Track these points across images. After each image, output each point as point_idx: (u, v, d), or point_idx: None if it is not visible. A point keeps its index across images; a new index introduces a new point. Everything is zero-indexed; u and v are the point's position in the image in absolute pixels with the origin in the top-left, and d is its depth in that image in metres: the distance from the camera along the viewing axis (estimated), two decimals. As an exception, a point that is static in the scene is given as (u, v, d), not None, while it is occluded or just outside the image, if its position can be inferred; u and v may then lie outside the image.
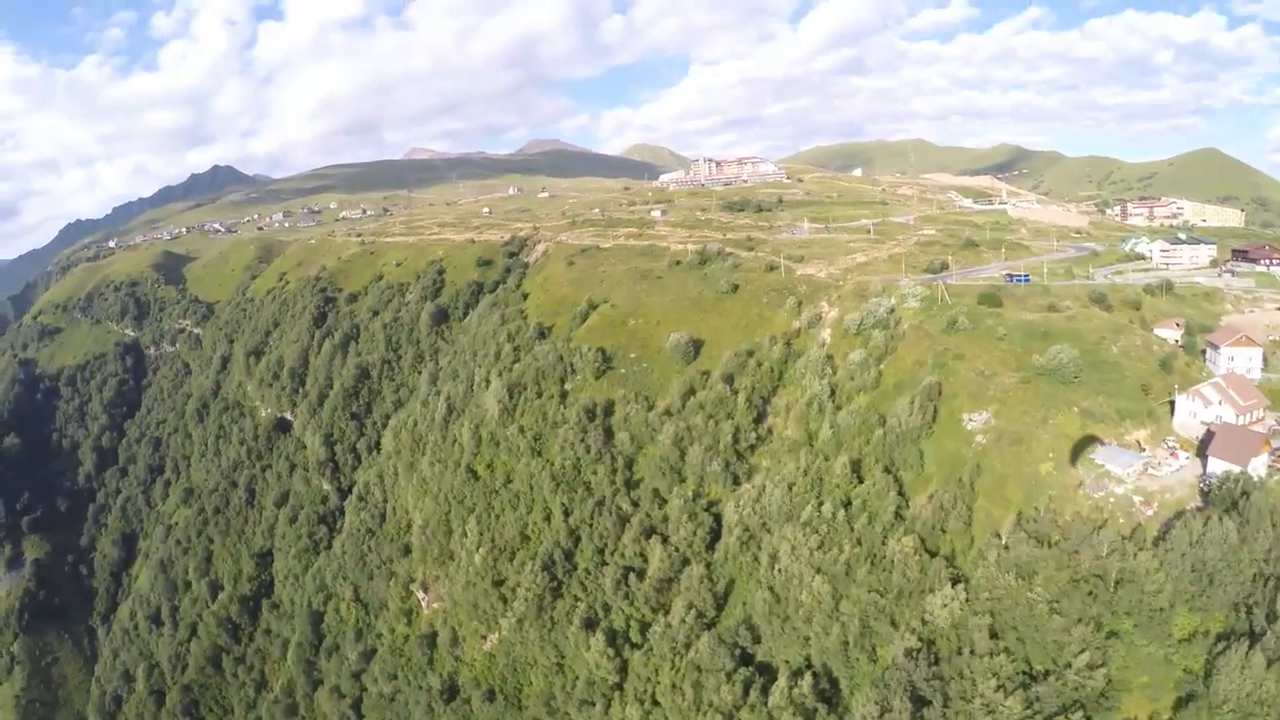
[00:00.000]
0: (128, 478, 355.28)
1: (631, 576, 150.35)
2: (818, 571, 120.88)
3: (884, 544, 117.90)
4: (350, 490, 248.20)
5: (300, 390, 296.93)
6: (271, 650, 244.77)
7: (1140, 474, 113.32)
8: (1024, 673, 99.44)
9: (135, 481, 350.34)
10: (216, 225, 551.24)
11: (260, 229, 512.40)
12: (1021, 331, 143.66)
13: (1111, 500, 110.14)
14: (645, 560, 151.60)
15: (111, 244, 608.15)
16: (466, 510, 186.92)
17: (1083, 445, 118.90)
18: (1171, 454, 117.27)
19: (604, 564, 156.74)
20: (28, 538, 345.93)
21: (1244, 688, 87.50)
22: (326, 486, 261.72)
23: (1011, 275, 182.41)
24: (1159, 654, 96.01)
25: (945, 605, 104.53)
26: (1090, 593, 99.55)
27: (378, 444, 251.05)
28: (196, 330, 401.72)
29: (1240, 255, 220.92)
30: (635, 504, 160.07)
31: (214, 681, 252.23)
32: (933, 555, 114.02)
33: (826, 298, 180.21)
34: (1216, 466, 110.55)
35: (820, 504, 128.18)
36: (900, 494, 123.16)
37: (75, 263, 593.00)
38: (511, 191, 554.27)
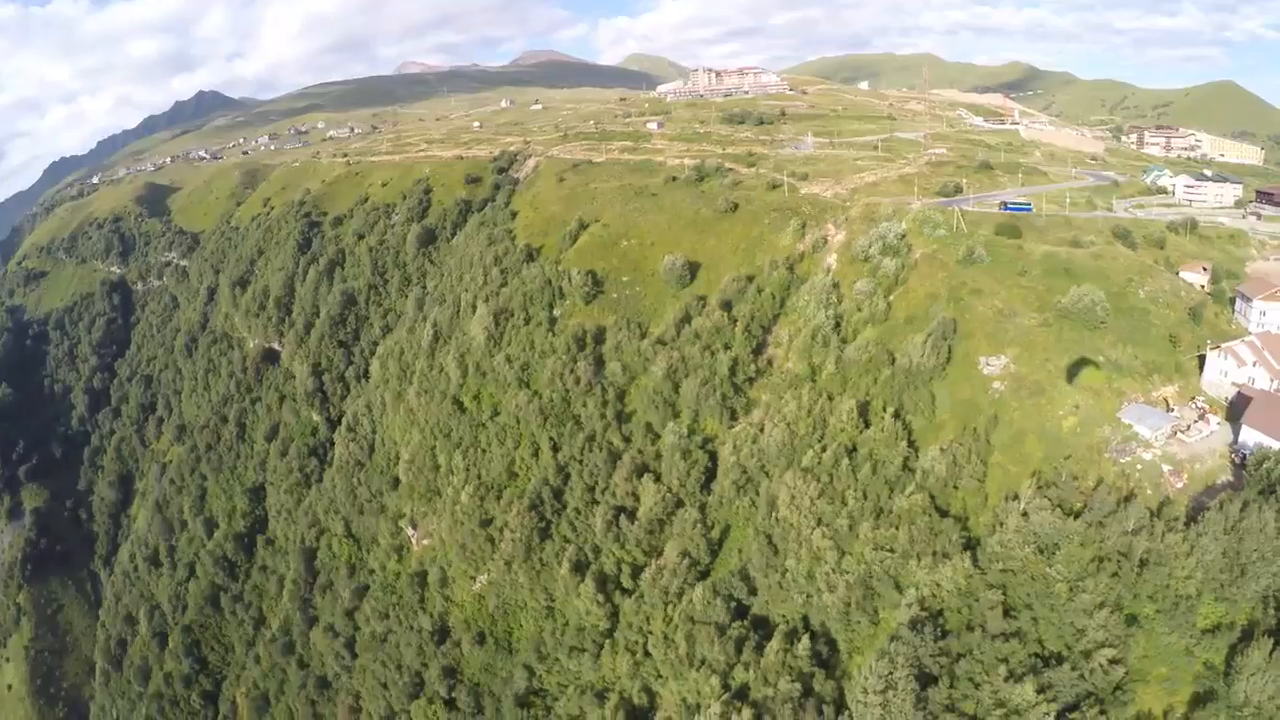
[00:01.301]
0: (121, 418, 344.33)
1: (623, 518, 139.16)
2: (818, 523, 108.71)
3: (891, 497, 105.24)
4: (340, 421, 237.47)
5: (287, 319, 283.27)
6: (268, 587, 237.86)
7: (1169, 438, 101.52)
8: (1036, 655, 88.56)
9: (129, 421, 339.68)
10: (201, 152, 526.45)
11: (245, 153, 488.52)
12: (1043, 267, 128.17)
13: (1139, 467, 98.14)
14: (637, 500, 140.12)
15: (95, 180, 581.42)
16: (453, 445, 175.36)
17: (1107, 399, 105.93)
18: (1201, 416, 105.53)
19: (594, 503, 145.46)
20: (26, 487, 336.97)
21: (1267, 690, 78.71)
22: (316, 417, 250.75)
23: (1008, 204, 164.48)
24: (1180, 644, 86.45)
25: (956, 574, 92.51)
26: (1114, 573, 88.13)
27: (366, 372, 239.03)
28: (183, 262, 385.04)
29: (1265, 197, 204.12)
30: (627, 439, 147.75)
31: (213, 621, 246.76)
32: (943, 514, 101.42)
33: (833, 220, 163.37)
34: (1250, 437, 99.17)
35: (823, 449, 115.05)
36: (910, 443, 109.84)
37: (59, 202, 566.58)
38: (504, 104, 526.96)
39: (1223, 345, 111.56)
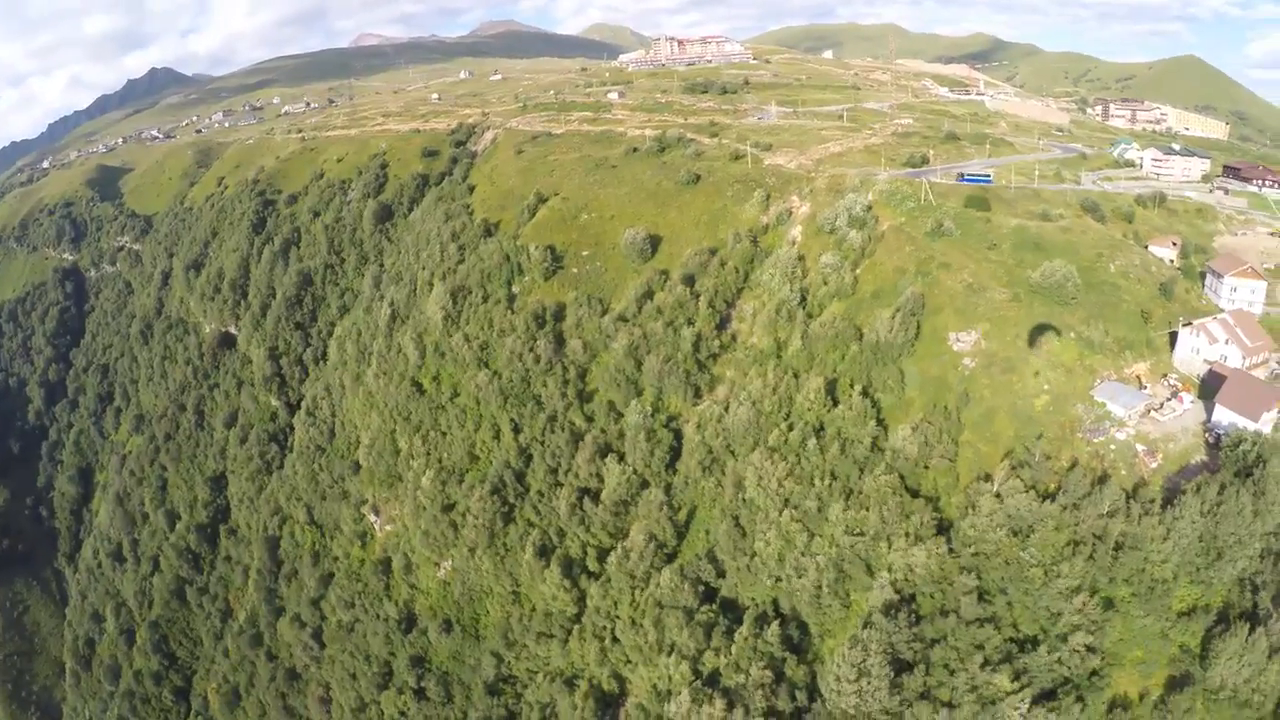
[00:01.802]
0: (78, 410, 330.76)
1: (587, 500, 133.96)
2: (786, 504, 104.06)
3: (860, 478, 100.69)
4: (299, 405, 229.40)
5: (243, 302, 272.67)
6: (233, 577, 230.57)
7: (1142, 416, 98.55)
8: (1011, 640, 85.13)
9: (86, 413, 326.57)
10: (154, 132, 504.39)
11: (199, 131, 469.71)
12: (1013, 241, 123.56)
13: (1113, 447, 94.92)
14: (601, 481, 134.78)
15: (45, 164, 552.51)
16: (413, 428, 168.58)
17: (1080, 377, 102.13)
18: (1174, 394, 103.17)
19: (558, 485, 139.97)
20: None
21: (1242, 674, 77.58)
22: (275, 402, 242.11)
23: (966, 175, 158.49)
24: (1155, 627, 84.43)
25: (929, 558, 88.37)
26: (1090, 557, 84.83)
27: (324, 354, 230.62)
28: (136, 246, 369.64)
29: (1232, 172, 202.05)
30: (589, 419, 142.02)
31: (180, 615, 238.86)
32: (914, 495, 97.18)
33: (797, 191, 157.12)
34: (1224, 416, 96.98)
35: (790, 428, 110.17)
36: (879, 422, 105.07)
37: (8, 189, 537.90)
38: (462, 75, 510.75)
39: (1194, 322, 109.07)
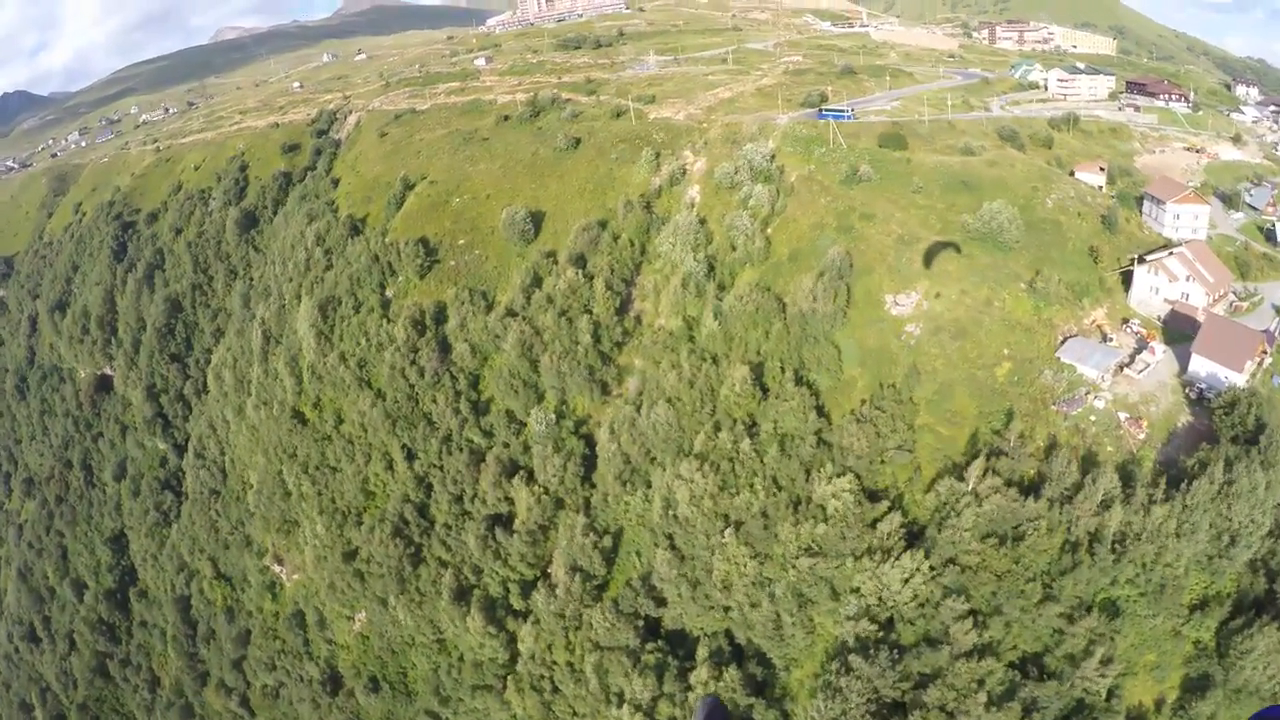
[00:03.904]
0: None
1: (499, 529, 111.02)
2: (727, 522, 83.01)
3: (809, 482, 79.81)
4: (187, 445, 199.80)
5: (114, 339, 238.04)
6: (153, 643, 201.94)
7: (1114, 375, 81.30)
8: (1013, 666, 66.44)
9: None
10: (9, 163, 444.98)
11: (54, 155, 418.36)
12: (939, 182, 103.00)
13: (1093, 419, 77.03)
14: (512, 505, 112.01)
15: None
16: (300, 466, 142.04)
17: (1040, 335, 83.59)
18: (1142, 344, 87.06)
19: (465, 515, 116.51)
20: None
21: (1269, 670, 63.87)
22: (162, 445, 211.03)
23: (826, 110, 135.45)
24: (1166, 626, 68.36)
25: (907, 579, 68.45)
26: (1090, 559, 66.34)
27: (205, 386, 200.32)
28: (0, 293, 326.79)
29: (1137, 88, 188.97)
30: (488, 434, 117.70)
31: (108, 693, 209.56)
32: (874, 497, 76.92)
33: (690, 145, 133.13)
34: (1202, 367, 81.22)
35: (716, 428, 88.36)
36: (819, 411, 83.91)
37: None
38: (326, 59, 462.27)
39: (1149, 258, 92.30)
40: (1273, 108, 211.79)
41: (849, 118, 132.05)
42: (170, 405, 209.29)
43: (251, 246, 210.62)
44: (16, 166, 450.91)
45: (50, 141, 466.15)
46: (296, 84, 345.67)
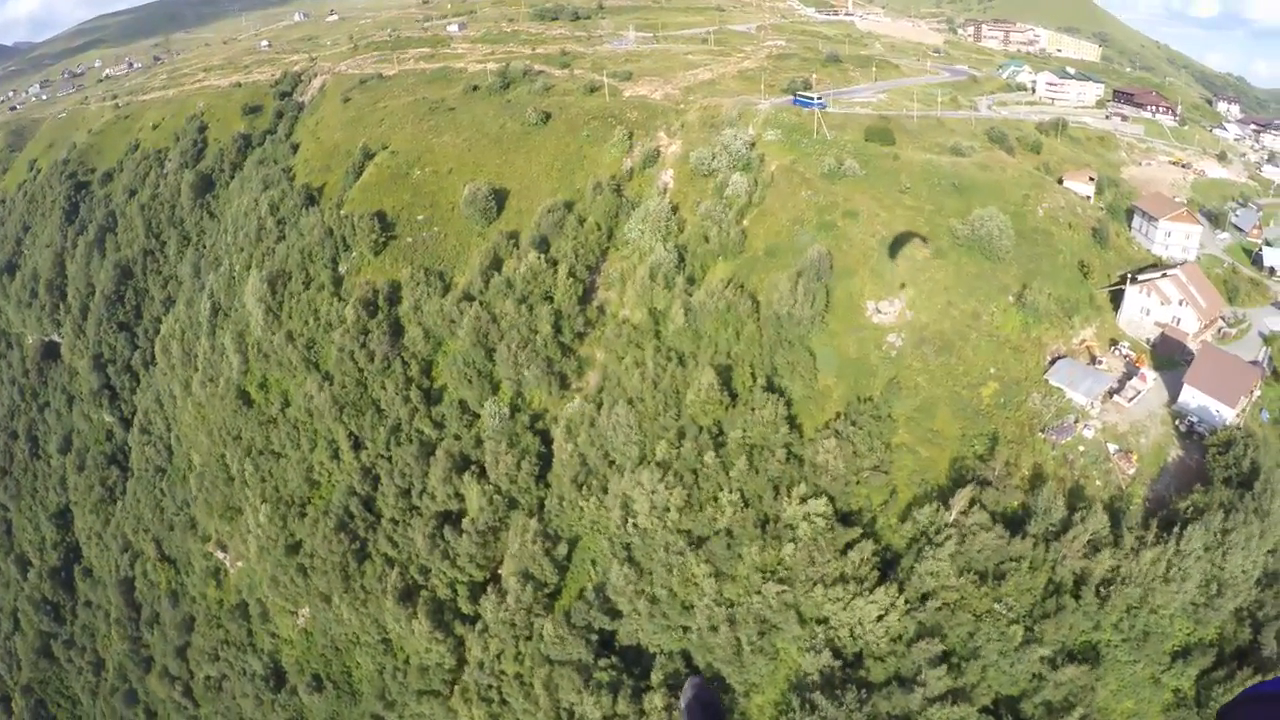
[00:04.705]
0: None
1: (448, 528, 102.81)
2: (689, 538, 75.50)
3: (777, 499, 72.31)
4: (134, 419, 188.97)
5: (62, 305, 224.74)
6: (97, 624, 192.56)
7: (1104, 401, 75.41)
8: (987, 709, 60.09)
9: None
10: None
11: (13, 109, 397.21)
12: (927, 182, 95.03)
13: (1081, 449, 70.93)
14: (462, 501, 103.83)
15: None
16: (243, 450, 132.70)
17: (1029, 354, 76.84)
18: (1130, 368, 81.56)
19: (413, 510, 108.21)
20: None
21: None
22: (108, 418, 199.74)
23: (800, 97, 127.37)
24: (1146, 673, 62.92)
25: (881, 615, 61.42)
26: (1074, 603, 59.87)
27: (153, 358, 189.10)
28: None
29: (1124, 97, 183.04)
30: (439, 425, 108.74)
31: (53, 674, 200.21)
32: (846, 521, 69.67)
33: (665, 126, 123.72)
34: (1193, 399, 75.42)
35: (680, 435, 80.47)
36: (791, 423, 76.23)
37: None
38: (297, 18, 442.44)
39: (1141, 278, 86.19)
40: (1254, 126, 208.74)
41: (821, 105, 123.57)
42: (118, 376, 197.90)
43: (206, 212, 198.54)
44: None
45: (10, 94, 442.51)
46: (264, 43, 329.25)
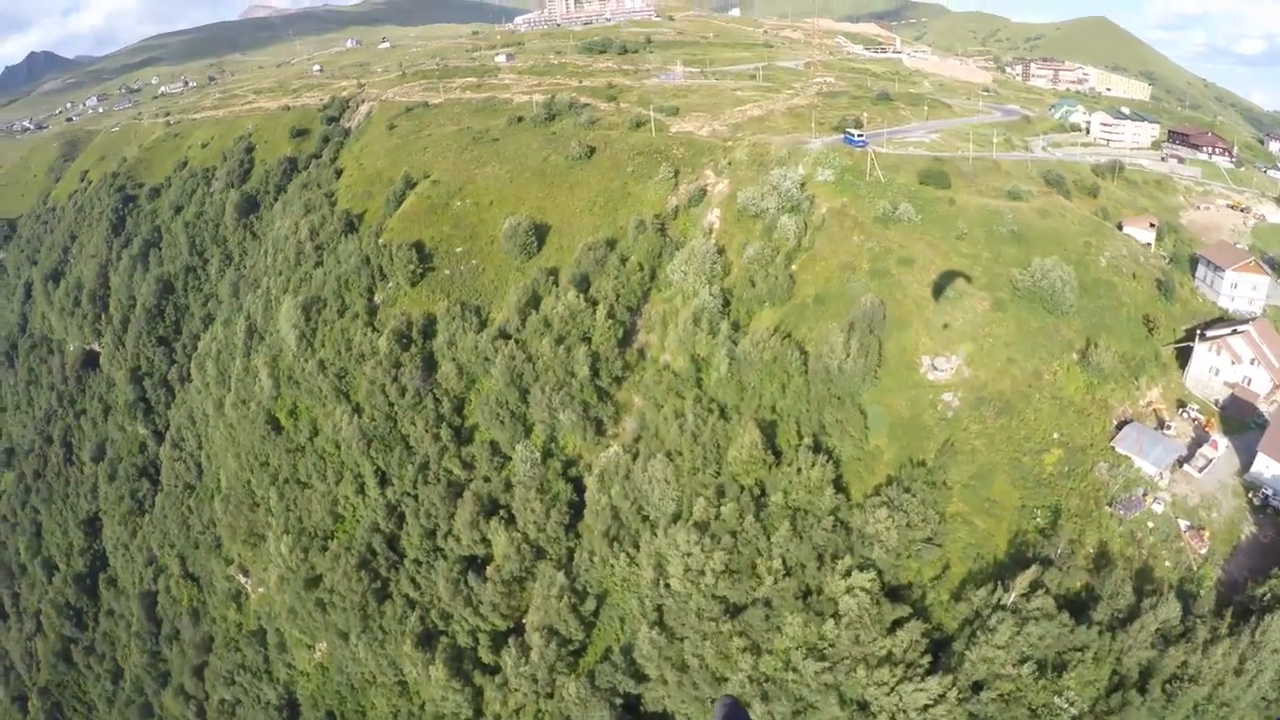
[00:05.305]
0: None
1: (472, 573, 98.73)
2: (724, 607, 70.74)
3: (821, 570, 67.44)
4: (167, 433, 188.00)
5: (104, 315, 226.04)
6: (119, 633, 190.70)
7: (1173, 472, 69.06)
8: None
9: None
10: (25, 123, 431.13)
11: (70, 120, 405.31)
12: (985, 228, 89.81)
13: (1150, 525, 65.10)
14: (488, 546, 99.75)
15: None
16: (269, 476, 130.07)
17: (1095, 419, 71.29)
18: (1199, 433, 74.81)
19: (437, 552, 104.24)
20: None
21: None
22: (142, 431, 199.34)
23: (851, 135, 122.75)
24: None
25: (929, 706, 56.21)
26: (1139, 703, 54.21)
27: (189, 374, 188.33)
28: (1, 255, 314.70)
29: (1180, 138, 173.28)
30: (469, 465, 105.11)
31: (70, 678, 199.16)
32: (894, 596, 64.58)
33: (712, 164, 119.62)
34: (1267, 468, 68.93)
35: (720, 494, 75.98)
36: (838, 486, 71.38)
37: None
38: (349, 45, 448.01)
39: (1210, 335, 79.56)
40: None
41: (863, 144, 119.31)
42: (154, 390, 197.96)
43: (249, 232, 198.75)
44: (32, 127, 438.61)
45: (69, 105, 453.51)
46: (316, 67, 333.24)
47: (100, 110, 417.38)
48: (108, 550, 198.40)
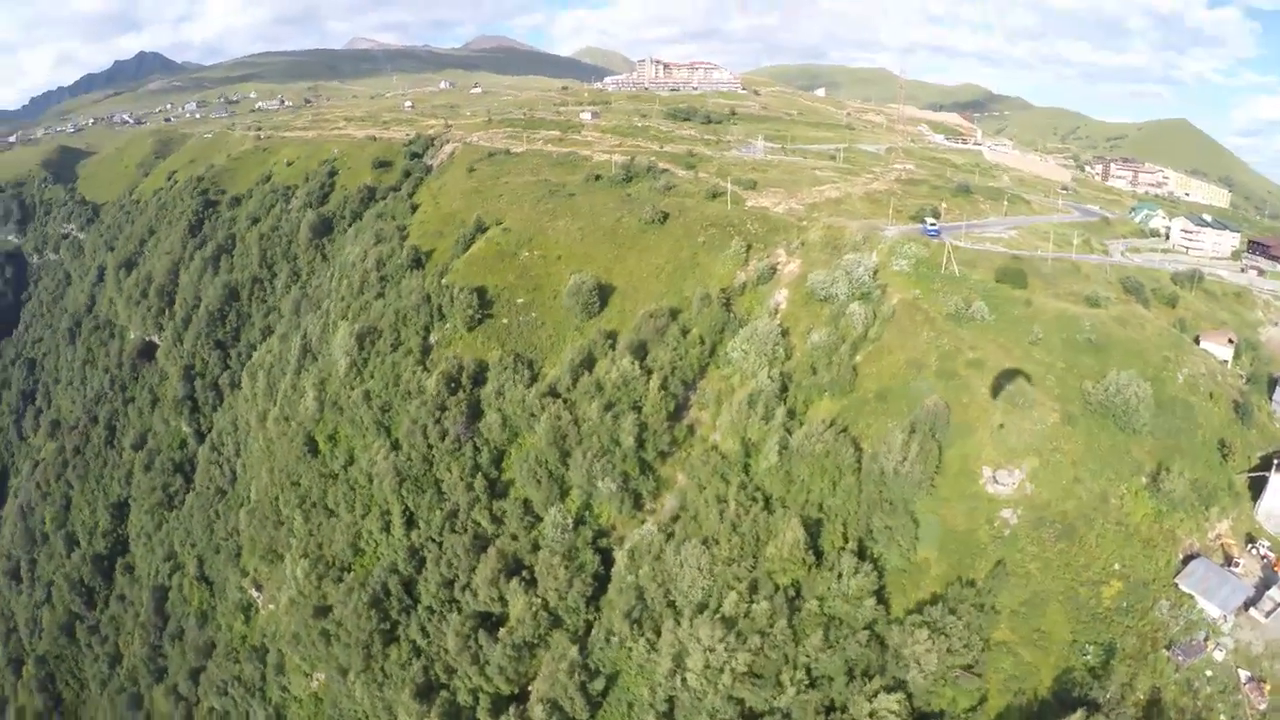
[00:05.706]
0: (1, 404, 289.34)
1: (483, 632, 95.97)
2: (740, 712, 67.06)
3: (849, 686, 63.74)
4: (209, 435, 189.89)
5: (168, 311, 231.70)
6: (125, 620, 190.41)
7: (1237, 615, 63.42)
8: None
9: (7, 409, 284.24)
10: (124, 116, 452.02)
11: (168, 120, 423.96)
12: (1060, 334, 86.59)
13: (1208, 674, 59.53)
14: (504, 605, 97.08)
15: (12, 139, 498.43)
16: (298, 497, 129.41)
17: (1160, 550, 66.72)
18: (1268, 573, 68.64)
19: (452, 602, 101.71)
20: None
21: None
22: (185, 429, 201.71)
23: (928, 225, 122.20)
24: None
25: None
26: None
27: (239, 382, 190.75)
28: (81, 235, 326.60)
29: (1260, 249, 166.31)
30: (498, 520, 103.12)
31: (69, 652, 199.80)
32: (927, 722, 60.56)
33: (785, 243, 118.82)
34: None
35: (753, 589, 72.98)
36: (879, 598, 68.04)
37: None
38: (443, 86, 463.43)
39: None
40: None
41: (935, 233, 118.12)
42: (203, 391, 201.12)
43: (320, 253, 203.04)
44: (131, 121, 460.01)
45: (168, 106, 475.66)
46: (408, 103, 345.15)
47: (197, 116, 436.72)
48: (130, 536, 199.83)
